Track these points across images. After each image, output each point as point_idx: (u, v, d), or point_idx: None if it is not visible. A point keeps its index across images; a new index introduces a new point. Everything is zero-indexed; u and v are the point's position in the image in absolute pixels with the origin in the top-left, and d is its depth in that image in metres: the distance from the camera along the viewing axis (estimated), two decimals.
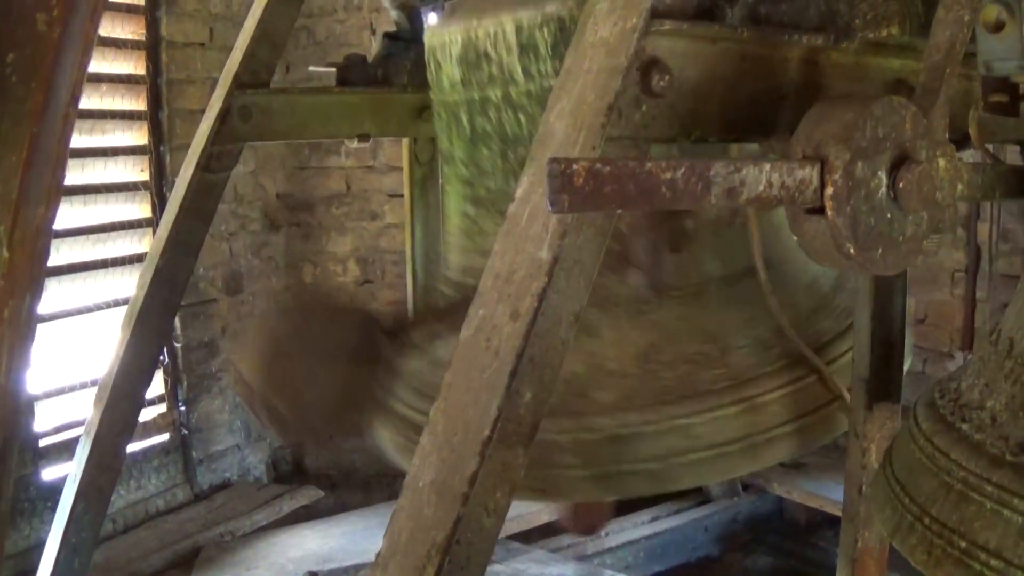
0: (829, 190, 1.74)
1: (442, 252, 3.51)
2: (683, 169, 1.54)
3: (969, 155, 2.08)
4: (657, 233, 2.71)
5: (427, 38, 3.03)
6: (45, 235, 2.68)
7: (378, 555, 1.86)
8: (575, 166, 1.42)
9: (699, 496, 7.63)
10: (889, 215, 1.81)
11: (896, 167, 1.81)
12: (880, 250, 1.82)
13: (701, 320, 2.82)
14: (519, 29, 2.58)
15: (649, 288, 2.73)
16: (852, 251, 1.77)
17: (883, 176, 1.80)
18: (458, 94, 2.90)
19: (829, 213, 1.75)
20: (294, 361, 3.14)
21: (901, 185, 1.80)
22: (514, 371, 1.79)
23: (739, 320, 2.83)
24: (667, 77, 1.92)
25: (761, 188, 1.65)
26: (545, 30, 2.51)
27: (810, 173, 1.74)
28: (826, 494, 6.94)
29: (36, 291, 2.74)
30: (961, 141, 2.09)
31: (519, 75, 2.63)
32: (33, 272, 2.65)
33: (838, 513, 2.96)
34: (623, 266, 2.71)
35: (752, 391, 2.74)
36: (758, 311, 2.77)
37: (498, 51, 2.67)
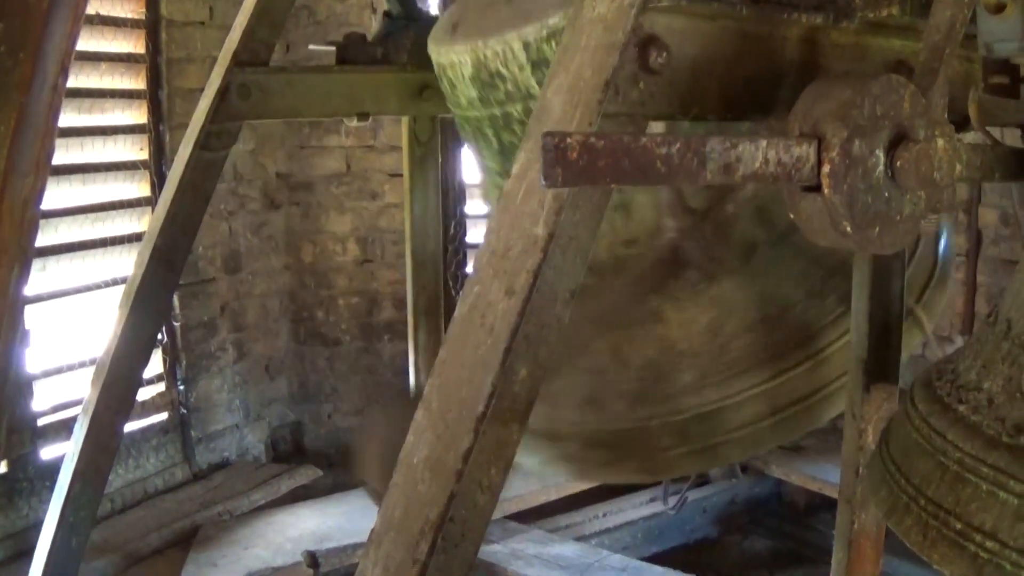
0: (826, 168, 1.73)
1: None
2: (678, 144, 1.53)
3: (970, 138, 2.07)
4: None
5: (434, 56, 3.01)
6: (34, 206, 2.68)
7: (372, 531, 1.85)
8: (569, 140, 1.42)
9: (698, 478, 7.63)
10: (886, 194, 1.80)
11: (894, 146, 1.80)
12: (877, 229, 1.81)
13: (755, 286, 2.89)
14: (527, 46, 2.56)
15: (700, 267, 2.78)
16: (849, 229, 1.76)
17: (881, 155, 1.79)
18: (478, 111, 2.88)
19: (826, 191, 1.74)
20: None
21: (899, 164, 1.79)
22: (508, 348, 1.78)
23: (790, 277, 2.90)
24: (665, 54, 1.91)
25: (757, 165, 1.64)
26: (552, 42, 2.48)
27: (807, 150, 1.73)
28: (825, 477, 6.94)
29: (25, 262, 2.73)
30: (961, 123, 2.08)
31: (536, 89, 2.60)
32: (22, 242, 2.65)
33: (836, 496, 2.96)
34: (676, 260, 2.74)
35: (817, 345, 2.86)
36: (805, 263, 2.82)
37: (510, 69, 2.64)
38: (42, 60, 2.59)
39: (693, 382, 2.89)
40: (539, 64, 2.54)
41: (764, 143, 1.66)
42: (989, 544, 1.67)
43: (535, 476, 6.81)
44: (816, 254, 2.80)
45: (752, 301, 2.86)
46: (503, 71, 2.67)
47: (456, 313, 1.87)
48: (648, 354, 2.89)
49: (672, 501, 7.28)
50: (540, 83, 2.62)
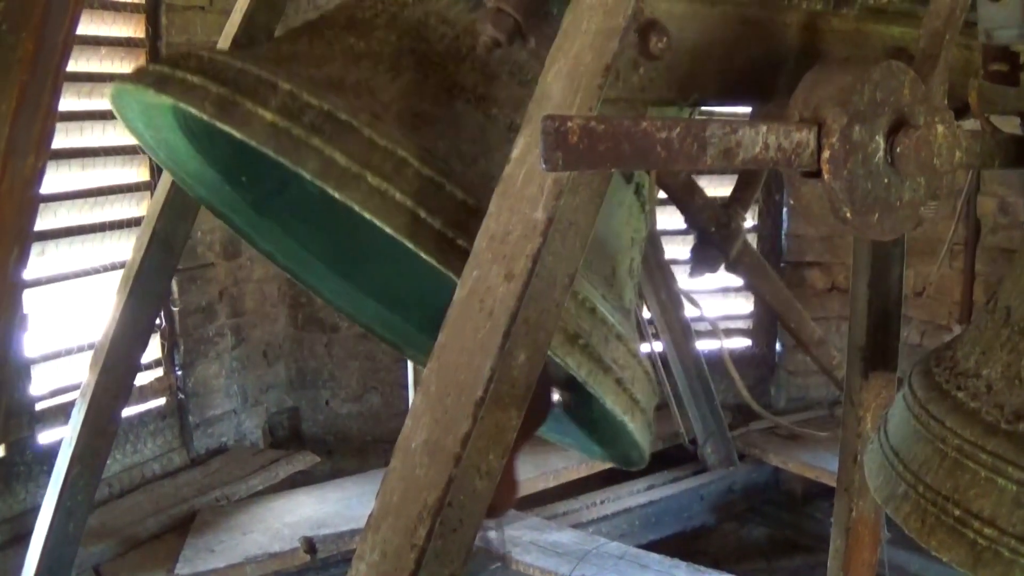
0: (826, 153, 1.73)
1: None
2: (679, 129, 1.53)
3: (968, 126, 2.07)
4: None
5: None
6: (34, 186, 2.67)
7: (370, 516, 1.85)
8: (569, 124, 1.41)
9: (695, 465, 7.64)
10: (886, 180, 1.81)
11: (894, 132, 1.80)
12: (877, 215, 1.81)
13: None
14: None
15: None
16: (849, 215, 1.76)
17: (880, 140, 1.79)
18: None
19: (826, 176, 1.74)
20: None
21: (899, 150, 1.80)
22: (507, 332, 1.78)
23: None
24: (665, 39, 1.90)
25: (757, 150, 1.64)
26: None
27: (807, 136, 1.73)
28: (822, 465, 6.96)
29: (24, 242, 2.73)
30: (961, 111, 2.08)
31: None
32: (22, 222, 2.64)
33: (834, 484, 2.96)
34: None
35: None
36: None
37: None
38: (44, 40, 2.59)
39: None
40: None
41: (764, 128, 1.66)
42: (988, 531, 1.68)
43: (533, 461, 6.84)
44: None
45: None
46: None
47: (455, 297, 1.87)
48: None
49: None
50: None
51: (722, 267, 3.58)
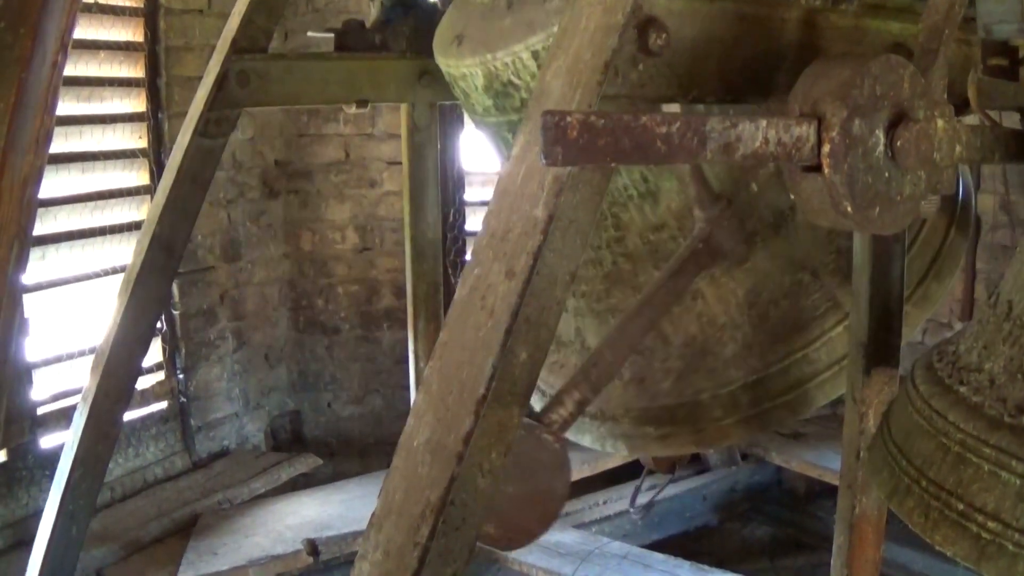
0: (826, 147, 1.73)
1: None
2: (678, 124, 1.53)
3: (968, 121, 2.07)
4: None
5: (442, 66, 3.02)
6: (34, 184, 2.66)
7: (373, 515, 1.85)
8: (569, 119, 1.41)
9: (697, 465, 7.63)
10: (887, 174, 1.80)
11: (894, 126, 1.80)
12: (877, 209, 1.81)
13: (787, 252, 2.89)
14: (535, 55, 2.55)
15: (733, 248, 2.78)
16: (849, 209, 1.76)
17: (880, 135, 1.79)
18: (495, 117, 2.89)
19: (826, 171, 1.74)
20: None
21: (899, 144, 1.79)
22: (509, 330, 1.78)
23: (819, 237, 2.90)
24: (664, 36, 1.91)
25: (757, 144, 1.64)
26: None
27: (807, 130, 1.73)
28: (825, 464, 6.95)
29: (24, 241, 2.72)
30: (961, 107, 2.07)
31: None
32: (21, 221, 2.63)
33: (837, 483, 2.96)
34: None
35: (851, 304, 2.83)
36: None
37: (523, 79, 2.65)
38: (42, 36, 2.58)
39: (737, 353, 2.93)
40: None
41: (764, 123, 1.66)
42: (991, 525, 1.67)
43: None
44: None
45: (786, 267, 2.88)
46: (515, 80, 2.68)
47: (456, 295, 1.87)
48: (689, 331, 2.93)
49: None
50: None
51: None
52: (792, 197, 2.64)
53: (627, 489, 7.28)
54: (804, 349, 2.89)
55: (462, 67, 2.87)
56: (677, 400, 2.99)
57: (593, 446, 3.26)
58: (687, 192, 2.72)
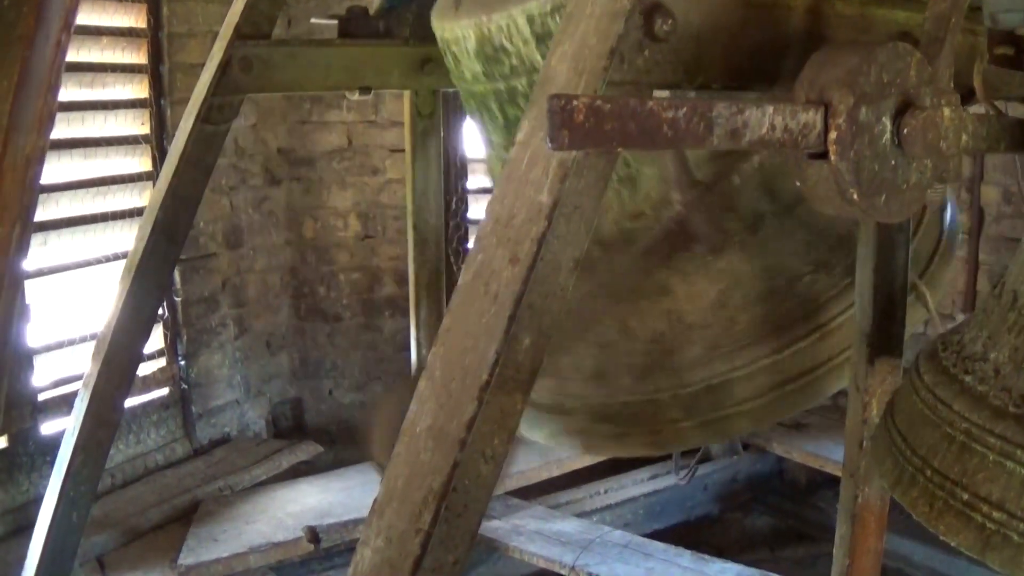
0: (833, 134, 1.72)
1: None
2: (685, 109, 1.52)
3: (975, 110, 2.06)
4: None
5: (438, 31, 3.01)
6: (36, 165, 2.66)
7: (375, 501, 1.85)
8: (576, 103, 1.41)
9: (705, 452, 7.64)
10: (893, 161, 1.80)
11: (900, 113, 1.80)
12: (883, 196, 1.80)
13: (762, 258, 2.88)
14: (531, 20, 2.54)
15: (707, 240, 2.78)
16: (855, 197, 1.75)
17: (887, 122, 1.78)
18: (483, 85, 2.88)
19: (832, 158, 1.73)
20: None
21: (905, 131, 1.79)
22: (513, 316, 1.77)
23: (796, 249, 2.89)
24: (670, 21, 1.90)
25: (764, 131, 1.64)
26: (556, 16, 2.46)
27: (814, 117, 1.72)
28: (826, 454, 6.95)
29: (27, 221, 2.72)
30: (967, 96, 2.06)
31: (540, 64, 2.60)
32: (24, 200, 2.63)
33: (838, 474, 2.96)
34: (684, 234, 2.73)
35: (824, 317, 2.87)
36: (811, 235, 2.82)
37: (515, 43, 2.63)
38: (45, 14, 2.57)
39: (702, 354, 2.89)
40: (543, 38, 2.53)
41: (771, 109, 1.65)
42: (996, 514, 1.67)
43: (538, 450, 6.83)
44: (822, 226, 2.80)
45: (759, 273, 2.86)
46: (507, 45, 2.66)
47: (460, 281, 1.86)
48: (656, 327, 2.90)
49: (683, 474, 7.28)
50: (545, 57, 2.62)
51: None
52: (772, 202, 2.66)
53: (628, 478, 7.31)
54: (770, 357, 2.86)
55: (456, 29, 2.84)
56: (635, 398, 2.97)
57: (547, 443, 3.26)
58: (667, 181, 2.71)
